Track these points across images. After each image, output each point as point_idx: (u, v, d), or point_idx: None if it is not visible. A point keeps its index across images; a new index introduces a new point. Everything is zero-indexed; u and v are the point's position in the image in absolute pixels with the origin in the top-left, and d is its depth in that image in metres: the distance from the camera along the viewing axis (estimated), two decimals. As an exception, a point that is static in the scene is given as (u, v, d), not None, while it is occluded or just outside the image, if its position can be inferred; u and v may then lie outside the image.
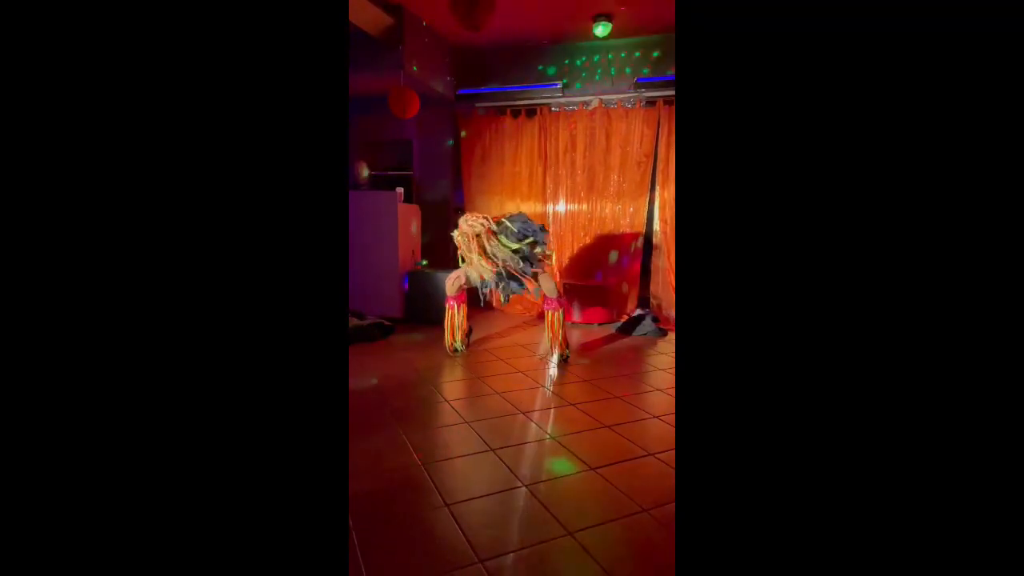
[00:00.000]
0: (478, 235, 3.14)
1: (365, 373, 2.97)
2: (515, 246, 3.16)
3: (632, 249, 4.66)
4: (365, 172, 5.05)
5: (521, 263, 3.18)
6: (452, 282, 3.36)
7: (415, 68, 4.17)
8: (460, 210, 5.16)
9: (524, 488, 1.68)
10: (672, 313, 4.52)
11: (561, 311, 3.32)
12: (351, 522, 1.45)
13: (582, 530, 1.44)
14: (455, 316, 3.41)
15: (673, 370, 3.07)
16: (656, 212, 4.64)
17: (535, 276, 3.26)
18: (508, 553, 1.34)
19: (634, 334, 4.11)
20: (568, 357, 3.30)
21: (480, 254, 3.15)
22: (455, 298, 3.39)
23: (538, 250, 3.22)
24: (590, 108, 4.67)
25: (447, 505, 1.56)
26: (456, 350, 3.43)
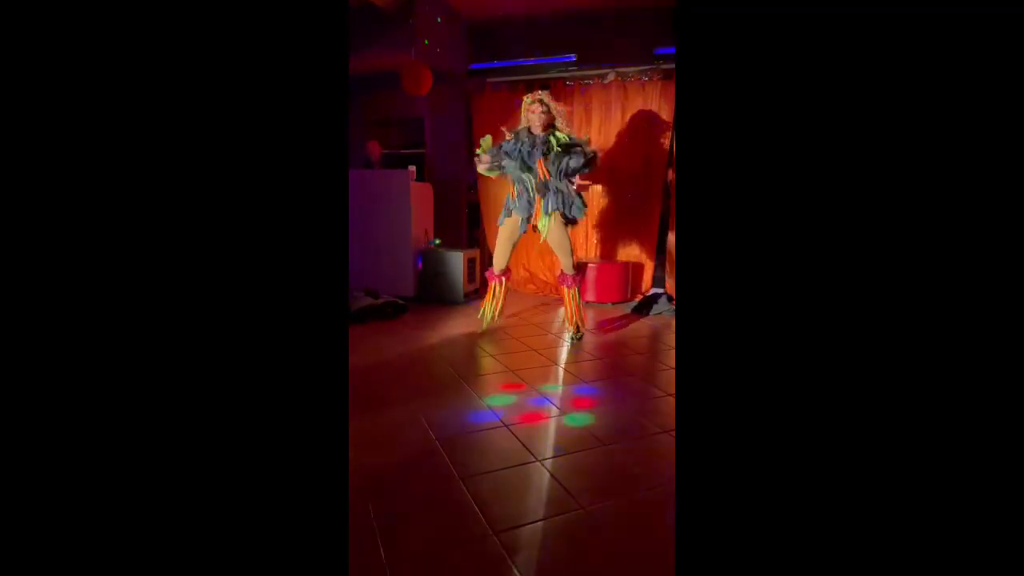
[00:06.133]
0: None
1: (380, 350, 2.99)
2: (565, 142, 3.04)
3: (648, 227, 4.57)
4: (378, 151, 5.01)
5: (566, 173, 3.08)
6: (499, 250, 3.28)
7: (426, 43, 4.09)
8: (472, 188, 5.11)
9: (538, 463, 1.67)
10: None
11: (576, 288, 3.28)
12: (367, 495, 1.47)
13: (596, 504, 1.44)
14: (498, 290, 3.37)
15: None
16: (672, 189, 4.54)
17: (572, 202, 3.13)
18: (522, 526, 1.34)
19: (649, 314, 4.06)
20: (582, 336, 3.28)
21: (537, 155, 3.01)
22: (503, 274, 3.35)
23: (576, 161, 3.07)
24: (605, 82, 4.54)
25: (461, 479, 1.57)
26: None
